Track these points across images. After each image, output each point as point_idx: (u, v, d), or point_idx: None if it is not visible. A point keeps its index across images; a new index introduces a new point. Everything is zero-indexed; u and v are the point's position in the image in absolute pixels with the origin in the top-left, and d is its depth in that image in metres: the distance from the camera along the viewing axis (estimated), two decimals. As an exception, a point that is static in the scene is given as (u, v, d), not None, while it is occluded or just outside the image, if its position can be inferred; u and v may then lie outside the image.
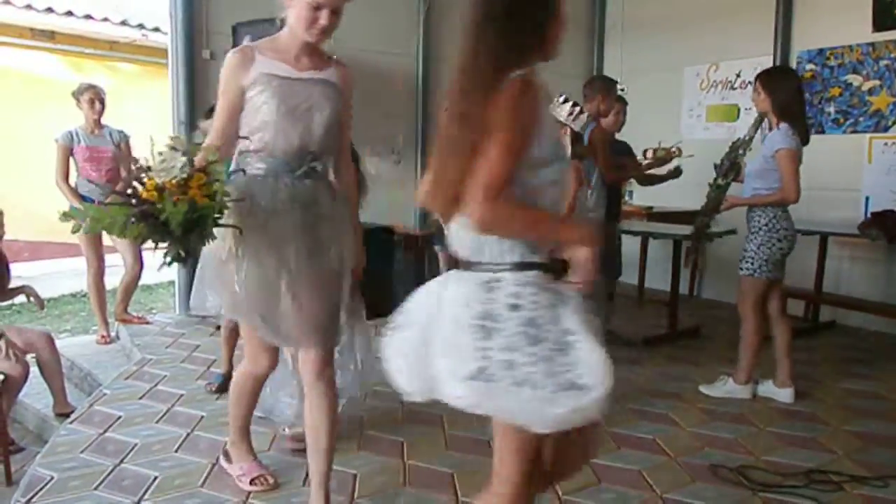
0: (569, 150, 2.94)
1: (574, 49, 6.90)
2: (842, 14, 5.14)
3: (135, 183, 1.78)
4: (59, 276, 7.16)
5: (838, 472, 2.62)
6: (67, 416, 3.36)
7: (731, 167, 3.52)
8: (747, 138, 3.51)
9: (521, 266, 1.44)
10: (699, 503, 2.40)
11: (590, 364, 1.39)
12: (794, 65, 5.46)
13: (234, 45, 4.78)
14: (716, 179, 3.57)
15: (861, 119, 5.09)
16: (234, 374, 2.49)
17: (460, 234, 1.50)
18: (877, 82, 5.01)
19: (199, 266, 3.20)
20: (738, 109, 5.86)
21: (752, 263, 3.33)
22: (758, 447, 2.86)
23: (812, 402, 3.42)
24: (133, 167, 1.81)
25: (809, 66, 5.37)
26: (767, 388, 3.48)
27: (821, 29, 5.30)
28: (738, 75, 5.87)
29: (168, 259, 1.82)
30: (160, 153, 1.76)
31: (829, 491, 2.49)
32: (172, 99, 4.89)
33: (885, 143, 4.94)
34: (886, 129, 4.95)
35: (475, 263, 1.47)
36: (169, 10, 4.90)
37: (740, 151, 3.50)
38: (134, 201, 1.75)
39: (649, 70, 6.37)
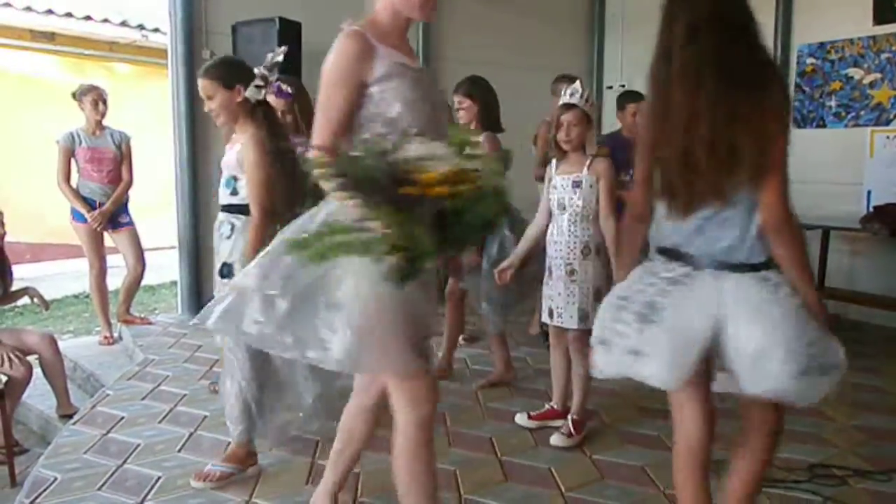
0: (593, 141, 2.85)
1: (572, 43, 6.89)
2: (842, 7, 5.13)
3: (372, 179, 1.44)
4: (62, 278, 7.17)
5: (842, 467, 2.62)
6: (71, 417, 3.37)
7: None
8: None
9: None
10: (702, 499, 2.40)
11: (833, 345, 1.61)
12: (794, 58, 5.45)
13: (234, 45, 4.78)
14: None
15: (863, 113, 5.08)
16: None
17: (717, 231, 1.65)
18: (878, 76, 4.99)
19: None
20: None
21: None
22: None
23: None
24: (371, 160, 1.48)
25: (810, 60, 5.36)
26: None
27: (821, 22, 5.28)
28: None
29: (403, 276, 1.46)
30: (401, 144, 1.49)
31: (832, 485, 2.48)
32: (172, 99, 4.89)
33: (887, 137, 4.93)
34: (888, 123, 4.94)
35: (744, 263, 1.63)
36: (168, 9, 4.89)
37: None
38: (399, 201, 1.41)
39: (648, 66, 6.33)
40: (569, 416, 2.90)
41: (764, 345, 1.56)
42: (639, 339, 1.64)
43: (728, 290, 1.62)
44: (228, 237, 2.52)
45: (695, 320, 1.62)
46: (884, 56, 4.96)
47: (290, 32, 4.64)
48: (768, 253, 1.63)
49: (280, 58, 2.68)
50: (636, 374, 1.67)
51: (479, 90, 3.48)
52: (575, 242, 2.79)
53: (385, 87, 1.72)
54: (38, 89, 8.32)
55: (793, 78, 5.48)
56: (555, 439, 2.84)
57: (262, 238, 2.38)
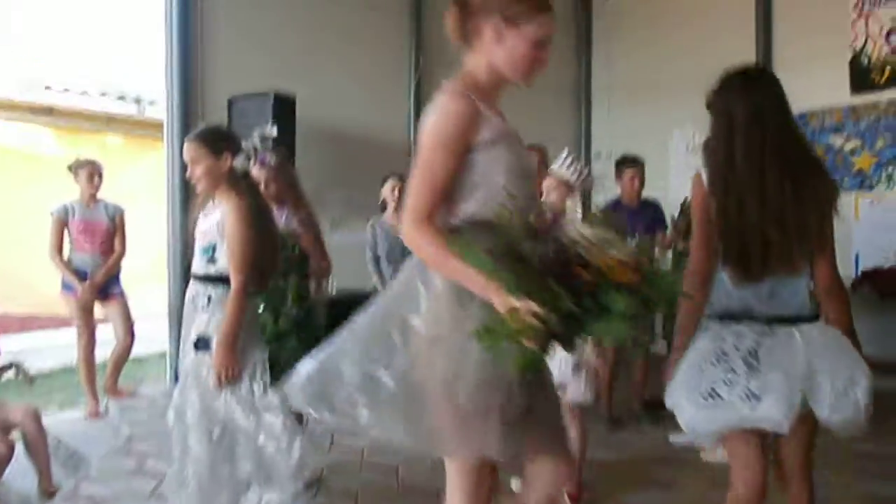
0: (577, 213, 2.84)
1: (560, 112, 7.08)
2: (820, 78, 5.31)
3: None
4: (49, 350, 7.07)
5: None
6: (52, 495, 3.26)
7: (689, 229, 3.55)
8: None
9: None
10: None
11: None
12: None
13: (229, 118, 4.88)
14: (675, 245, 3.63)
15: (846, 178, 5.20)
16: None
17: (788, 293, 1.88)
18: (858, 143, 5.13)
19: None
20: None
21: None
22: None
23: (819, 463, 3.35)
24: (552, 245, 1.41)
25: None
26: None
27: (800, 92, 5.36)
28: (722, 138, 6.00)
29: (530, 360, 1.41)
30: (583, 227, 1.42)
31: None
32: (167, 171, 4.95)
33: (871, 202, 5.03)
34: (871, 188, 5.05)
35: (807, 316, 1.92)
36: (165, 84, 5.01)
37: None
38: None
39: (637, 133, 6.51)
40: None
41: (852, 376, 1.83)
42: (753, 384, 1.79)
43: (809, 337, 1.85)
44: (205, 308, 2.47)
45: (794, 365, 1.81)
46: (862, 124, 5.11)
47: (284, 107, 4.75)
48: (816, 308, 1.97)
49: (274, 132, 2.74)
50: (747, 418, 1.78)
51: None
52: None
53: (491, 153, 1.64)
54: (32, 162, 8.44)
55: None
56: None
57: (243, 309, 2.40)
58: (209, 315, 2.45)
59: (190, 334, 2.49)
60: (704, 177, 1.96)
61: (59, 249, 4.39)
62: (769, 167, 1.81)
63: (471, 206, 1.61)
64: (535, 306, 1.33)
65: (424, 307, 1.57)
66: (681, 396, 1.88)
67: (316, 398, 1.58)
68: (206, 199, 2.60)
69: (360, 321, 1.63)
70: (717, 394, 1.80)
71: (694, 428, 1.86)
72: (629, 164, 4.28)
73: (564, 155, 2.90)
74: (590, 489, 3.01)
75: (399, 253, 4.48)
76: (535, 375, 1.61)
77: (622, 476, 3.17)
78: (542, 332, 1.34)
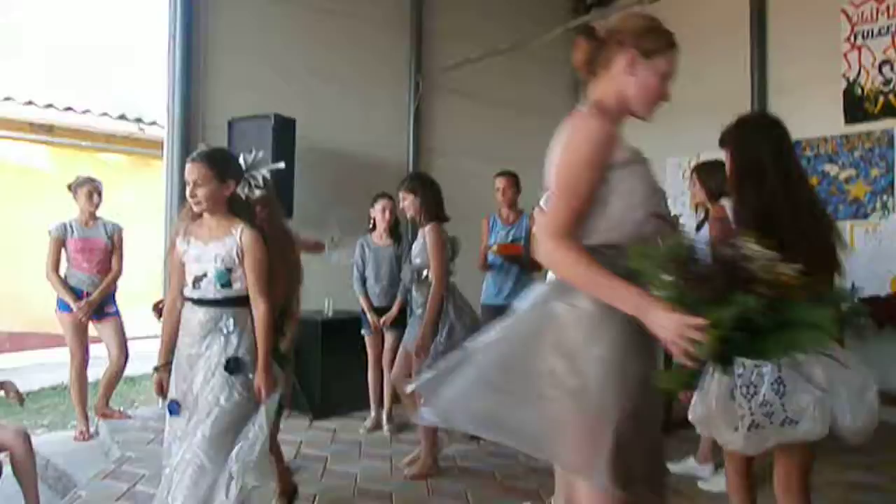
0: None
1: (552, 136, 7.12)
2: (815, 108, 5.36)
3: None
4: (41, 369, 7.02)
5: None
6: (39, 518, 3.21)
7: None
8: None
9: None
10: None
11: None
12: (772, 155, 5.64)
13: (230, 139, 4.89)
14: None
15: (841, 206, 5.22)
16: None
17: None
18: (852, 172, 5.17)
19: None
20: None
21: None
22: None
23: (813, 494, 3.32)
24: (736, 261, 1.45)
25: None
26: (687, 465, 3.58)
27: (795, 121, 5.40)
28: (718, 165, 6.04)
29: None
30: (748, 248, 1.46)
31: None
32: (167, 190, 4.95)
33: (866, 231, 5.05)
34: (866, 217, 5.07)
35: None
36: (166, 104, 5.03)
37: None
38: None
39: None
40: None
41: (864, 381, 2.04)
42: (790, 411, 1.99)
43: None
44: (232, 331, 2.47)
45: (818, 382, 1.99)
46: (856, 153, 5.15)
47: (285, 129, 4.77)
48: None
49: (280, 165, 2.81)
50: (791, 435, 2.01)
51: (421, 185, 3.82)
52: None
53: (628, 172, 1.69)
54: (30, 180, 8.45)
55: (771, 173, 5.65)
56: None
57: (275, 329, 2.50)
58: (237, 337, 2.47)
59: (203, 357, 2.47)
60: (728, 211, 2.17)
61: (56, 268, 4.38)
62: (800, 204, 2.07)
63: (602, 224, 1.64)
64: (709, 321, 1.37)
65: (570, 330, 1.59)
66: (721, 425, 2.10)
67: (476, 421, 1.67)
68: (187, 223, 2.60)
69: (492, 349, 1.67)
70: (760, 426, 2.02)
71: (744, 450, 2.11)
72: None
73: None
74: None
75: (387, 273, 4.48)
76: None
77: None
78: (717, 349, 1.37)
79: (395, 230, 4.70)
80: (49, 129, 8.73)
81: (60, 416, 5.83)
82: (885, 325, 4.41)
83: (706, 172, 3.61)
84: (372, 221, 4.65)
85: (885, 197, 5.00)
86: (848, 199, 5.19)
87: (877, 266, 4.96)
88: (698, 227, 3.80)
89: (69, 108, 8.49)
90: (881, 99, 5.06)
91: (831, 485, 3.51)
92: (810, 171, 5.38)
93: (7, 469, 3.46)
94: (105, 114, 8.76)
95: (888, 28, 5.02)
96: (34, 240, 7.86)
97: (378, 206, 4.59)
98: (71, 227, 4.41)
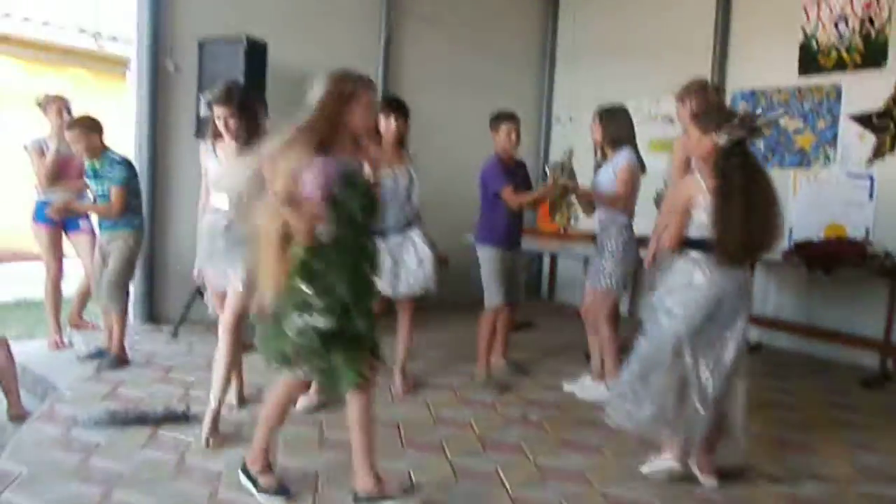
0: None
1: (524, 76, 7.23)
2: (771, 58, 5.60)
3: None
4: (1, 283, 7.02)
5: (758, 472, 2.90)
6: (22, 419, 3.38)
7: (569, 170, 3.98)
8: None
9: None
10: (634, 495, 2.65)
11: None
12: (728, 102, 5.89)
13: (200, 61, 4.88)
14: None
15: (787, 156, 5.53)
16: None
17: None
18: (801, 123, 5.46)
19: None
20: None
21: (607, 278, 3.76)
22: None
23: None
24: None
25: (742, 105, 5.80)
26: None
27: (753, 71, 5.75)
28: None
29: None
30: None
31: (745, 487, 2.77)
32: (137, 109, 4.95)
33: (808, 179, 5.38)
34: (809, 166, 5.40)
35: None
36: (135, 22, 4.97)
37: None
38: None
39: (595, 100, 6.70)
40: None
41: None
42: None
43: None
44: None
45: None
46: (807, 105, 5.43)
47: (256, 52, 4.77)
48: None
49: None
50: None
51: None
52: None
53: None
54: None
55: (726, 120, 5.90)
56: None
57: None
58: None
59: None
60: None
61: (51, 178, 4.39)
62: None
63: None
64: None
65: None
66: None
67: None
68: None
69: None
70: None
71: None
72: (505, 119, 4.03)
73: None
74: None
75: None
76: None
77: (566, 418, 3.47)
78: None
79: None
80: (5, 39, 8.42)
81: (27, 328, 5.92)
82: (815, 266, 4.78)
83: (608, 118, 3.87)
84: None
85: (828, 148, 5.31)
86: (794, 149, 5.49)
87: (814, 213, 5.32)
88: (598, 167, 4.11)
89: (27, 19, 8.18)
90: (834, 53, 5.30)
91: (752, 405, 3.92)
92: (765, 126, 5.65)
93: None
94: (63, 27, 8.46)
95: (848, -17, 5.22)
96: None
97: None
98: (46, 144, 4.40)
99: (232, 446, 2.89)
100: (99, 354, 4.15)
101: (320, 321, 2.20)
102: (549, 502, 2.56)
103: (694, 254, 2.66)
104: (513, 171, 4.04)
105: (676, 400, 2.65)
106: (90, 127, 4.04)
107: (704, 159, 2.64)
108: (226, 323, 3.04)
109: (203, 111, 2.97)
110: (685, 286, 2.66)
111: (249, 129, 3.02)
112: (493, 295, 3.96)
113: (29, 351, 4.53)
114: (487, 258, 3.99)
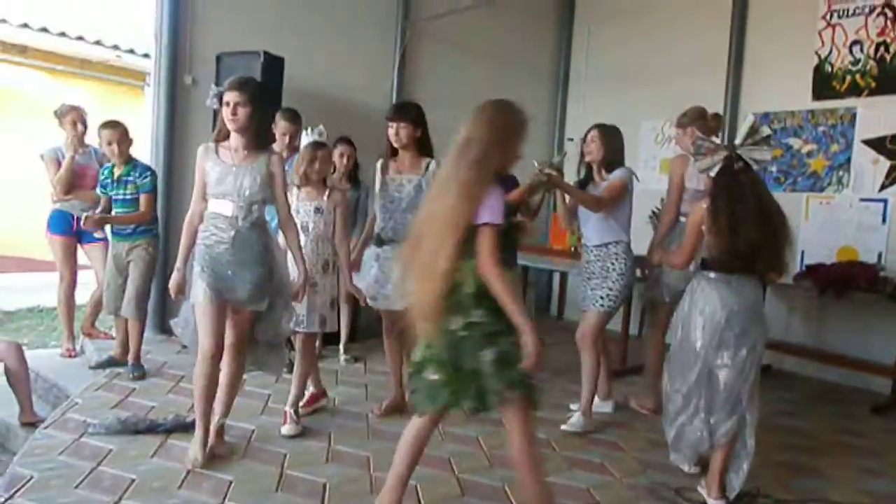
0: None
1: (537, 95, 7.28)
2: (786, 82, 5.61)
3: None
4: (15, 291, 7.10)
5: (766, 495, 2.89)
6: (34, 425, 3.42)
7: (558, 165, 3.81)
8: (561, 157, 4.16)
9: None
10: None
11: None
12: (741, 125, 5.90)
13: (217, 73, 4.96)
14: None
15: (799, 179, 5.53)
16: None
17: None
18: (814, 146, 5.46)
19: None
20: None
21: (612, 301, 3.59)
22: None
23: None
24: None
25: (750, 117, 5.81)
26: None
27: (767, 94, 5.77)
28: (690, 132, 6.29)
29: None
30: None
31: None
32: (153, 121, 5.02)
33: (820, 203, 5.37)
34: (822, 190, 5.39)
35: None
36: (154, 34, 5.06)
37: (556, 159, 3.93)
38: None
39: (608, 121, 6.72)
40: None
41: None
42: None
43: None
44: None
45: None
46: (820, 129, 5.44)
47: (273, 66, 4.84)
48: None
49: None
50: None
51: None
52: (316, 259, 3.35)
53: None
54: (2, 101, 8.34)
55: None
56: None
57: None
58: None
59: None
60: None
61: (66, 187, 4.42)
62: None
63: None
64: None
65: None
66: None
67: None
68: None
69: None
70: None
71: None
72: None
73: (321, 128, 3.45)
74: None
75: (352, 218, 4.57)
76: None
77: (570, 435, 3.46)
78: None
79: (354, 175, 4.83)
80: (23, 49, 8.56)
81: (40, 336, 5.98)
82: (826, 290, 4.76)
83: (610, 135, 3.76)
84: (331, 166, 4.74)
85: (841, 172, 5.31)
86: (807, 172, 5.49)
87: (826, 236, 5.31)
88: (582, 185, 3.81)
89: (44, 29, 8.31)
90: (848, 78, 5.31)
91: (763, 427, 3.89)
92: (775, 143, 5.67)
93: (1, 380, 3.66)
94: (80, 38, 8.58)
95: (863, 8, 5.24)
96: (7, 163, 7.84)
97: (337, 151, 4.60)
98: (62, 152, 4.46)
99: (240, 458, 2.91)
100: (110, 363, 4.19)
101: (508, 345, 2.14)
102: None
103: (705, 273, 2.84)
104: (501, 181, 3.77)
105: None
106: (128, 131, 4.16)
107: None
108: (235, 343, 2.92)
109: (211, 102, 2.85)
110: (698, 307, 2.81)
111: (259, 125, 2.87)
112: None
113: (42, 358, 4.60)
114: None
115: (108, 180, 4.11)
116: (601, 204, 3.56)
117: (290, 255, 3.09)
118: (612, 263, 3.61)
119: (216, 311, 2.77)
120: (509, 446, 2.26)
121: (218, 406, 2.96)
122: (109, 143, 4.03)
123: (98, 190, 4.18)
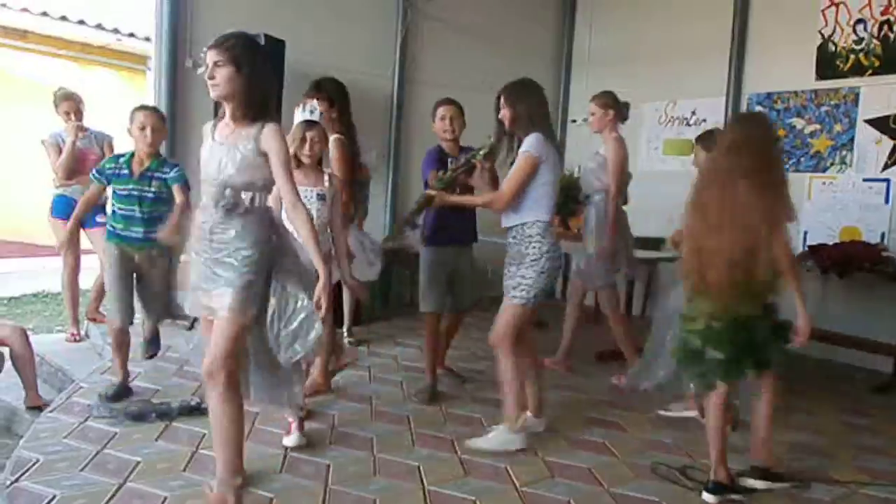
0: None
1: (540, 77, 7.20)
2: (789, 62, 5.57)
3: None
4: (19, 276, 7.13)
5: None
6: (39, 409, 3.44)
7: (464, 165, 3.23)
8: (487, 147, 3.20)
9: None
10: (641, 496, 2.66)
11: None
12: (744, 106, 5.88)
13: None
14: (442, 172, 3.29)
15: (803, 159, 5.51)
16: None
17: None
18: (817, 126, 5.43)
19: None
20: (693, 144, 6.24)
21: (525, 291, 2.98)
22: (697, 452, 3.12)
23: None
24: None
25: (758, 108, 5.79)
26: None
27: (770, 74, 5.73)
28: (693, 113, 6.26)
29: None
30: None
31: (757, 490, 2.76)
32: (154, 104, 4.99)
33: (823, 183, 5.36)
34: (825, 170, 5.37)
35: None
36: (154, 17, 5.03)
37: (480, 153, 3.20)
38: None
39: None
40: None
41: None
42: None
43: None
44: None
45: None
46: (823, 109, 5.40)
47: (274, 50, 4.81)
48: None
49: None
50: None
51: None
52: None
53: None
54: (6, 86, 8.33)
55: (742, 123, 5.90)
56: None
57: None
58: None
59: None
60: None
61: (68, 172, 4.40)
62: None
63: None
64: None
65: None
66: None
67: None
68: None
69: None
70: None
71: None
72: (439, 104, 3.75)
73: (314, 103, 3.24)
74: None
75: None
76: None
77: (573, 416, 3.49)
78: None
79: None
80: (23, 34, 8.54)
81: (45, 321, 6.01)
82: (829, 270, 4.76)
83: (517, 94, 3.17)
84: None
85: (844, 152, 5.28)
86: (810, 152, 5.46)
87: (829, 217, 5.29)
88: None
89: (44, 13, 8.27)
90: (852, 57, 5.27)
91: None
92: (779, 123, 5.64)
93: (7, 364, 3.68)
94: (82, 21, 8.54)
95: (867, -13, 5.19)
96: (7, 146, 7.84)
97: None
98: (62, 138, 4.46)
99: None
100: (119, 395, 3.96)
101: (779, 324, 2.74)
102: (557, 500, 2.58)
103: None
104: (454, 160, 3.41)
105: None
106: (166, 120, 3.75)
107: None
108: (213, 372, 2.26)
109: (202, 69, 2.34)
110: None
111: (247, 90, 2.28)
112: (422, 301, 3.68)
113: (47, 343, 4.63)
114: (422, 258, 3.71)
115: (124, 171, 3.44)
116: (503, 200, 3.01)
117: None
118: (526, 247, 3.01)
119: (207, 324, 2.36)
120: (758, 403, 2.77)
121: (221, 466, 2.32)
122: (143, 128, 3.40)
123: (93, 175, 3.54)
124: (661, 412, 3.62)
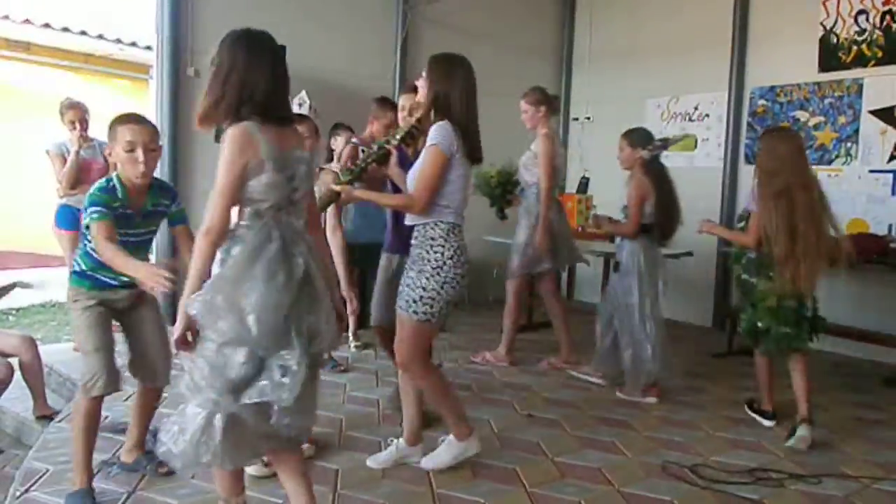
0: None
1: (542, 75, 7.22)
2: (791, 55, 5.55)
3: None
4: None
5: (779, 471, 2.88)
6: (48, 418, 3.45)
7: (375, 153, 2.86)
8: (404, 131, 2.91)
9: None
10: (653, 495, 2.64)
11: None
12: (747, 99, 5.85)
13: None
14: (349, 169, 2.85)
15: (808, 152, 5.46)
16: None
17: None
18: (821, 119, 5.41)
19: None
20: (696, 140, 6.23)
21: (428, 306, 2.58)
22: (707, 449, 3.11)
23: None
24: None
25: (761, 102, 5.76)
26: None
27: (772, 68, 5.71)
28: (696, 108, 6.24)
29: None
30: None
31: (770, 486, 2.74)
32: (157, 114, 5.02)
33: (829, 175, 5.32)
34: (830, 163, 5.34)
35: None
36: (155, 26, 5.06)
37: (395, 137, 2.88)
38: None
39: (614, 100, 6.71)
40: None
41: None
42: None
43: None
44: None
45: None
46: (827, 101, 5.38)
47: (275, 54, 4.82)
48: None
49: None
50: None
51: None
52: None
53: None
54: (6, 98, 8.37)
55: (745, 118, 5.89)
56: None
57: None
58: None
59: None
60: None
61: (72, 182, 4.43)
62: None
63: None
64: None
65: None
66: None
67: None
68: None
69: None
70: None
71: None
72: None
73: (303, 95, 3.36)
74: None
75: (353, 205, 4.48)
76: None
77: (581, 416, 3.46)
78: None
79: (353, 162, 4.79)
80: (26, 46, 8.57)
81: (52, 331, 6.03)
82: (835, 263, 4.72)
83: (438, 70, 2.88)
84: (331, 153, 4.72)
85: (849, 144, 5.25)
86: (815, 145, 5.44)
87: (835, 209, 5.19)
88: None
89: (47, 25, 8.30)
90: (854, 48, 5.24)
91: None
92: (782, 116, 5.61)
93: (16, 374, 3.69)
94: (83, 32, 8.58)
95: (868, -23, 5.16)
96: (12, 159, 7.88)
97: (342, 139, 4.61)
98: (67, 147, 4.47)
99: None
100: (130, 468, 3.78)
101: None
102: (568, 501, 2.56)
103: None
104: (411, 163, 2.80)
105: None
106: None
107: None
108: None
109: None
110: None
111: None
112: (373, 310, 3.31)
113: (55, 353, 4.63)
114: (380, 266, 3.30)
115: (129, 211, 2.55)
116: (420, 204, 2.59)
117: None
118: (428, 251, 2.60)
119: None
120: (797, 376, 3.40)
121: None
122: (131, 149, 2.52)
123: (101, 213, 2.44)
124: (619, 394, 3.90)
